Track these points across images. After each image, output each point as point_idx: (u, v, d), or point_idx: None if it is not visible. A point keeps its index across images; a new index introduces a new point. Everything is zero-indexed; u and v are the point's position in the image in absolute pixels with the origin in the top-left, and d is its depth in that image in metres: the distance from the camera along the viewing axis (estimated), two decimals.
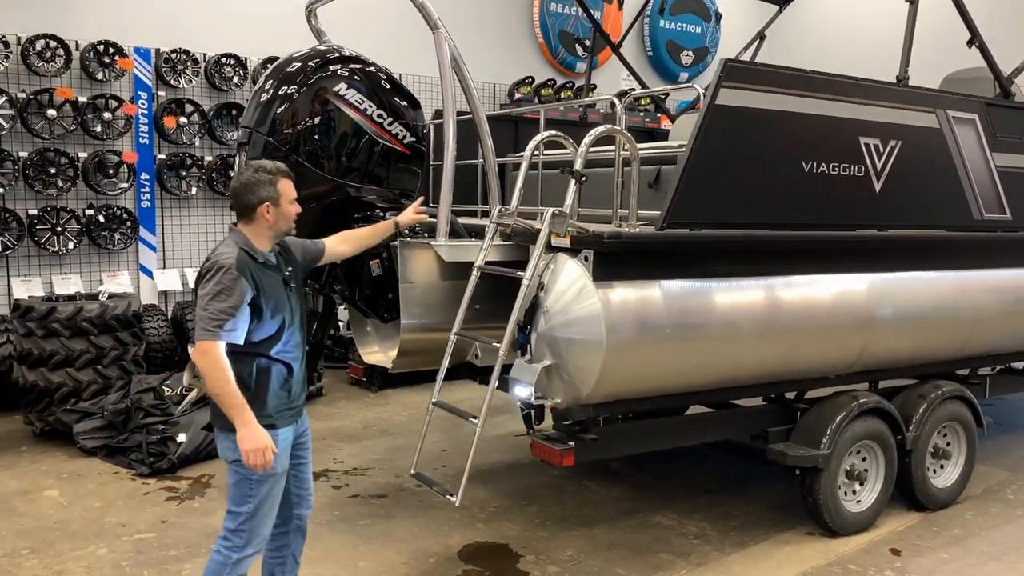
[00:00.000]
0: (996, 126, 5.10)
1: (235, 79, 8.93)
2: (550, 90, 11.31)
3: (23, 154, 7.78)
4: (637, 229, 3.87)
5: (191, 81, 8.69)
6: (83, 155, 8.11)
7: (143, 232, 8.59)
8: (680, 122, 7.22)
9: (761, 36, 7.96)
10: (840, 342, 4.62)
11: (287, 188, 3.36)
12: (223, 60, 8.84)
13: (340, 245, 3.78)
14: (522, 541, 4.91)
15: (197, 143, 8.74)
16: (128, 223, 8.38)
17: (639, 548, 4.80)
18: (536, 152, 4.18)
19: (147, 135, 8.56)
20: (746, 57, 8.00)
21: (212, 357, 3.14)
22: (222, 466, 6.11)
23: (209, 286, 3.18)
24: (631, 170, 3.90)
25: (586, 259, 3.83)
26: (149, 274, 8.71)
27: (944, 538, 4.96)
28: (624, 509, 5.40)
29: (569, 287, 3.85)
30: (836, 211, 4.48)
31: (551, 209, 3.74)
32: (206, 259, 3.34)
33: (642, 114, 11.28)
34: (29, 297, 6.95)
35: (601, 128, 3.87)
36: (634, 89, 9.04)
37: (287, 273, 3.43)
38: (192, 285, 8.67)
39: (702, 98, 4.07)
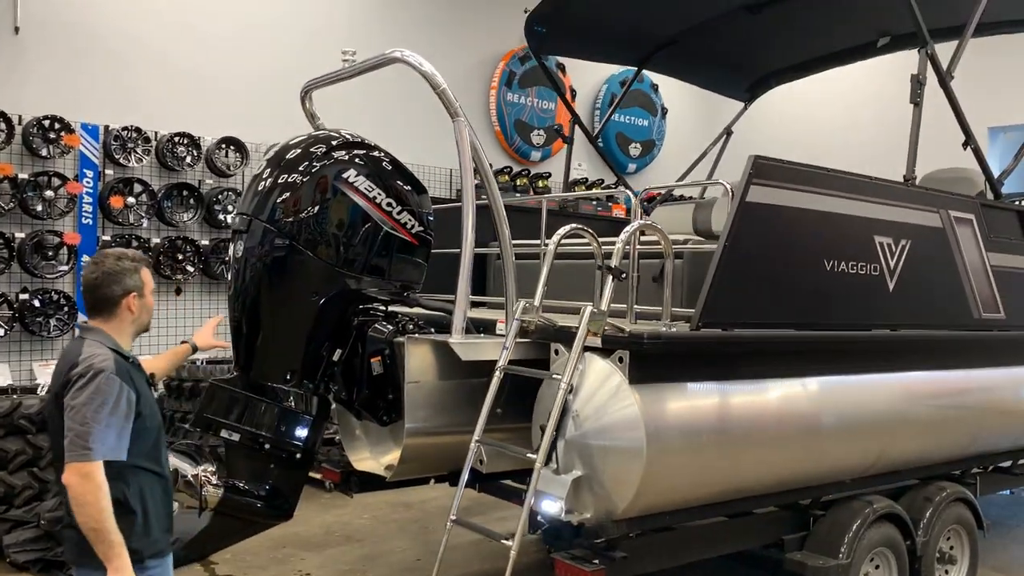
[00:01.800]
0: (990, 226, 5.15)
1: (188, 159, 8.54)
2: (506, 177, 11.28)
3: None
4: (674, 329, 3.66)
5: (141, 160, 8.25)
6: (20, 235, 7.54)
7: (81, 318, 7.98)
8: (658, 214, 7.18)
9: (728, 132, 8.06)
10: (864, 444, 4.47)
11: (149, 278, 3.10)
12: (176, 139, 8.46)
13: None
14: None
15: (145, 224, 8.25)
16: (66, 308, 7.77)
17: None
18: (552, 244, 3.95)
19: (91, 215, 8.04)
20: (714, 152, 8.09)
21: (94, 482, 2.74)
22: None
23: (85, 394, 2.79)
24: (666, 266, 3.71)
25: (621, 360, 3.58)
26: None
27: None
28: None
29: (602, 389, 3.59)
30: (856, 311, 4.39)
31: (588, 307, 3.50)
32: (69, 365, 2.88)
33: (594, 203, 11.30)
34: None
35: (636, 224, 3.70)
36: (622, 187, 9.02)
37: (148, 374, 3.14)
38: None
39: (730, 194, 3.96)
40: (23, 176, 7.52)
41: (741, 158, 3.96)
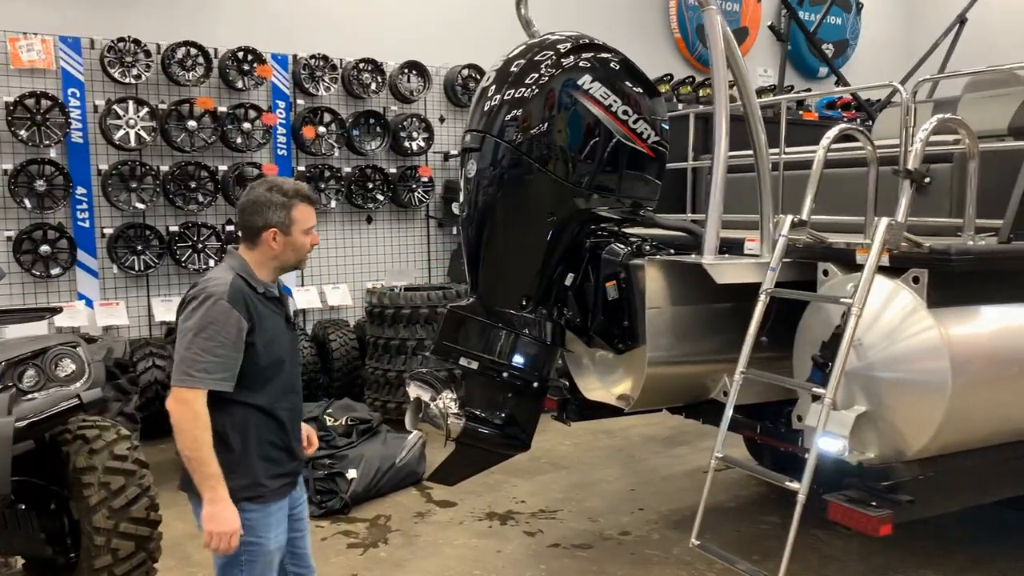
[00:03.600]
0: None
1: (372, 85, 8.44)
2: (688, 88, 10.57)
3: (164, 168, 7.41)
4: (982, 242, 3.13)
5: (329, 89, 8.23)
6: (223, 168, 7.70)
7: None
8: (883, 118, 6.42)
9: (962, 20, 7.09)
10: None
11: (304, 216, 2.85)
12: (361, 66, 8.36)
13: None
14: None
15: (336, 153, 8.26)
16: None
17: None
18: (822, 150, 3.44)
19: (285, 146, 8.13)
20: (946, 43, 7.15)
21: (192, 410, 2.62)
22: (397, 506, 5.65)
23: (195, 318, 2.66)
24: (969, 169, 3.15)
25: (916, 280, 3.09)
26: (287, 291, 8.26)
27: None
28: (875, 566, 4.63)
29: (895, 314, 3.12)
30: None
31: (885, 219, 3.02)
32: (193, 285, 2.80)
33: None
34: None
35: (936, 119, 3.14)
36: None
37: (289, 310, 2.95)
38: (320, 303, 8.22)
39: None
40: (222, 109, 7.63)
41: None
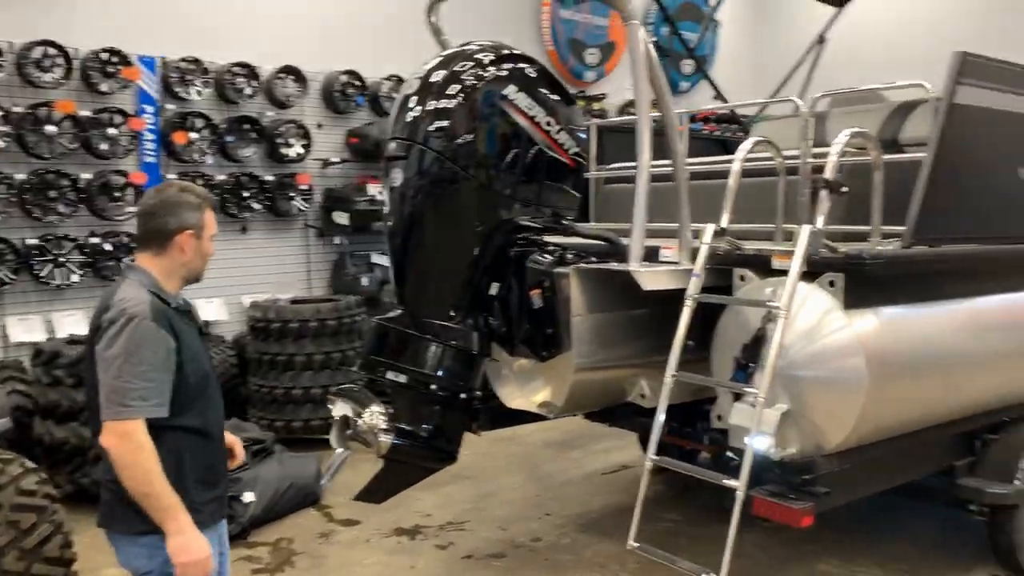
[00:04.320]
0: None
1: (247, 90, 8.11)
2: None
3: (20, 176, 6.83)
4: (889, 247, 3.37)
5: (200, 93, 7.84)
6: (86, 176, 7.19)
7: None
8: (758, 129, 6.80)
9: (822, 39, 7.61)
10: None
11: (211, 221, 2.77)
12: (235, 70, 8.02)
13: None
14: None
15: (209, 160, 7.89)
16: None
17: None
18: (738, 162, 3.61)
19: (154, 152, 7.67)
20: (808, 61, 7.65)
21: (135, 442, 2.45)
22: (298, 528, 5.44)
23: (118, 344, 2.48)
24: (875, 180, 3.39)
25: (832, 283, 3.29)
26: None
27: None
28: (780, 557, 4.87)
29: (812, 316, 3.31)
30: None
31: (807, 227, 3.19)
32: (102, 307, 2.61)
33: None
34: (49, 340, 6.05)
35: (846, 133, 3.36)
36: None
37: (199, 321, 2.85)
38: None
39: (931, 97, 3.61)
40: (85, 113, 7.13)
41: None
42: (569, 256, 3.90)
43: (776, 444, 3.39)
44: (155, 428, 2.52)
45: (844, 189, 3.25)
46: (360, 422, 3.56)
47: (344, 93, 8.78)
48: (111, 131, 7.22)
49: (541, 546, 5.09)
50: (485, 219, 3.66)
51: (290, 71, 8.37)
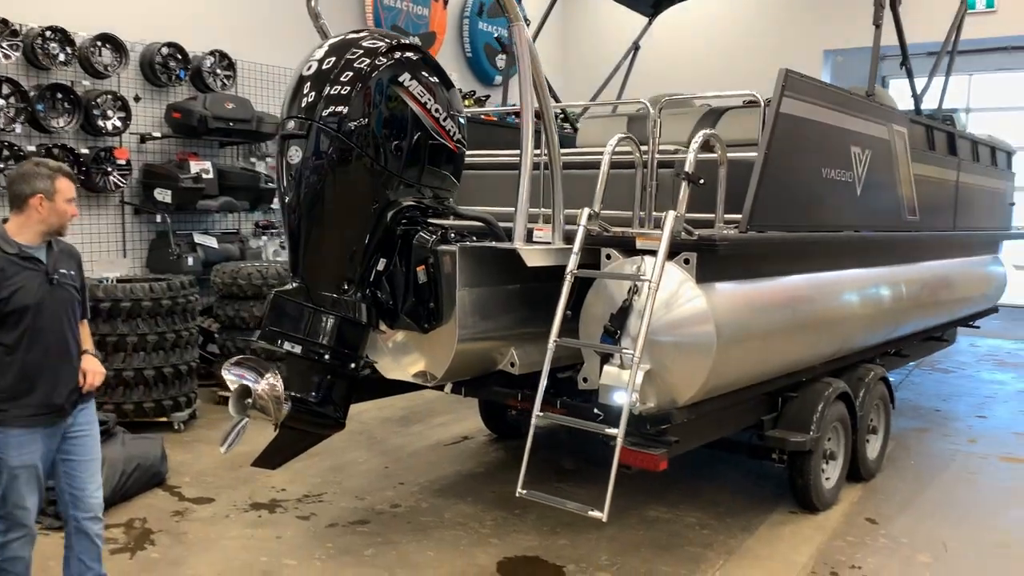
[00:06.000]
0: (912, 139, 5.85)
1: (61, 57, 7.64)
2: None
3: None
4: (731, 232, 3.97)
5: (9, 57, 7.30)
6: None
7: None
8: (585, 126, 7.39)
9: (636, 47, 8.36)
10: (846, 329, 5.08)
11: (65, 187, 3.45)
12: (47, 34, 7.52)
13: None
14: (549, 551, 4.79)
15: (17, 130, 7.36)
16: None
17: (662, 544, 4.89)
18: (608, 154, 4.09)
19: None
20: (624, 67, 8.38)
21: None
22: (149, 508, 5.35)
23: None
24: (720, 174, 3.98)
25: (687, 261, 3.84)
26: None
27: (897, 503, 5.60)
28: (616, 508, 5.39)
29: (671, 288, 3.84)
30: (835, 213, 4.91)
31: (671, 212, 3.71)
32: None
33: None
34: None
35: (703, 134, 3.92)
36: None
37: (51, 268, 3.45)
38: None
39: (762, 106, 4.27)
40: None
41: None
42: (452, 235, 4.20)
43: (638, 400, 3.90)
44: None
45: (702, 181, 3.81)
46: (259, 390, 3.67)
47: (166, 66, 8.48)
48: None
49: (402, 511, 5.35)
50: (377, 198, 3.88)
51: (108, 39, 7.97)
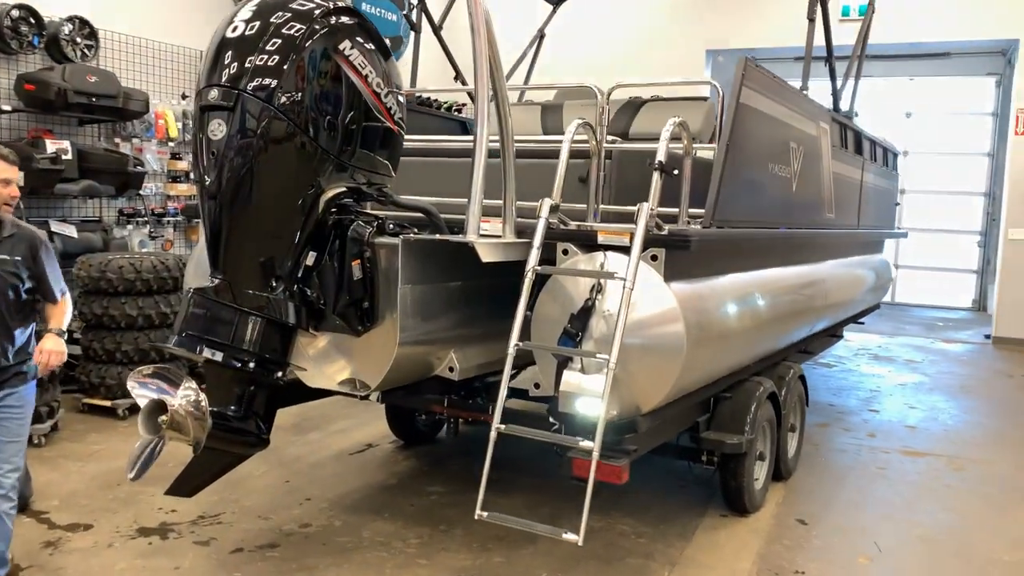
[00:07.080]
0: (833, 137, 5.86)
1: None
2: None
3: None
4: (696, 227, 3.72)
5: None
6: None
7: None
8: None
9: (542, 35, 8.10)
10: (786, 324, 4.99)
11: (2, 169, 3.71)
12: None
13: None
14: (485, 571, 4.43)
15: None
16: None
17: (601, 556, 4.63)
18: (567, 142, 3.77)
19: None
20: (530, 54, 8.09)
21: None
22: (16, 540, 4.58)
23: None
24: (685, 166, 3.72)
25: (654, 258, 3.57)
26: None
27: (820, 502, 5.58)
28: (545, 517, 5.12)
29: (638, 287, 3.55)
30: (777, 210, 4.79)
31: (646, 205, 3.41)
32: None
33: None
34: None
35: (672, 122, 3.63)
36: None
37: None
38: None
39: (720, 95, 4.05)
40: None
41: None
42: (390, 226, 3.75)
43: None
44: None
45: (675, 172, 3.54)
46: (176, 406, 3.10)
47: (16, 31, 7.49)
48: None
49: (314, 531, 4.84)
50: (312, 182, 3.38)
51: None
